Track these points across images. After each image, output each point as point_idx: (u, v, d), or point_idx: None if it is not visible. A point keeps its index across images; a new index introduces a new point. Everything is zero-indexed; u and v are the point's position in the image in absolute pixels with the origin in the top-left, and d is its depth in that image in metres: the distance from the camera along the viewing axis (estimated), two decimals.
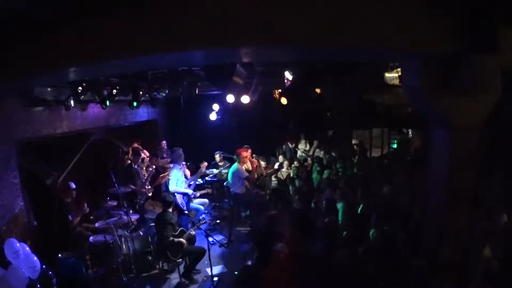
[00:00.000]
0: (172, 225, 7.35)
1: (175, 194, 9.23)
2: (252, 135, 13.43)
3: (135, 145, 11.18)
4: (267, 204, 9.55)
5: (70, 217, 7.93)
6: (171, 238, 7.23)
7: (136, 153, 10.26)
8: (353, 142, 14.40)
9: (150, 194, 10.11)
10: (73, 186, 8.24)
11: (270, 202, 9.77)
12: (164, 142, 12.73)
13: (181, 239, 7.34)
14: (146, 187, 10.07)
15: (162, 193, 11.12)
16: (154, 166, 10.75)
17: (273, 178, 11.82)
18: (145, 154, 11.21)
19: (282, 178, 11.64)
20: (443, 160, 4.55)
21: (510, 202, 5.80)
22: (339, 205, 7.21)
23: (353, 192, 7.77)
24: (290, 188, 9.93)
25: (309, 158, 12.60)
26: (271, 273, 5.27)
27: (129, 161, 10.16)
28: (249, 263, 6.61)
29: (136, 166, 9.93)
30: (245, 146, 10.45)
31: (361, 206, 7.19)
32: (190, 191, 9.71)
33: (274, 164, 12.57)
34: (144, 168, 10.60)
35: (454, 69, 4.03)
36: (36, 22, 3.88)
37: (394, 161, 11.45)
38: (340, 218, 6.98)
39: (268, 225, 6.77)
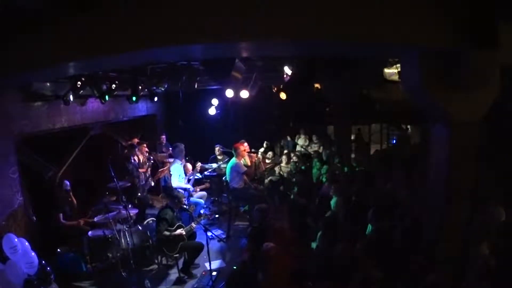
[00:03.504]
0: (167, 220, 7.32)
1: (177, 189, 9.25)
2: (251, 129, 13.43)
3: (135, 140, 11.19)
4: (265, 199, 9.56)
5: (61, 216, 7.90)
6: (167, 233, 7.23)
7: (131, 146, 10.29)
8: (353, 137, 14.39)
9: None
10: (68, 187, 8.17)
11: (268, 196, 9.80)
12: (163, 136, 12.74)
13: (177, 232, 7.33)
14: (144, 181, 10.14)
15: (161, 187, 11.19)
16: (151, 158, 10.82)
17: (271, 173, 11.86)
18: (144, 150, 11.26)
19: (282, 173, 11.67)
20: (442, 155, 4.56)
21: (509, 197, 5.80)
22: (333, 200, 7.22)
23: (351, 187, 7.78)
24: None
25: (300, 152, 12.64)
26: (269, 270, 5.28)
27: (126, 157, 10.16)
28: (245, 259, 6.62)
29: (133, 161, 9.96)
30: (241, 140, 10.44)
31: (355, 200, 7.20)
32: (190, 187, 9.73)
33: (274, 158, 12.65)
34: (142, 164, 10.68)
35: (454, 65, 4.03)
36: (37, 17, 3.88)
37: (393, 156, 11.46)
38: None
39: (261, 218, 6.79)
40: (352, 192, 7.48)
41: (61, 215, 7.89)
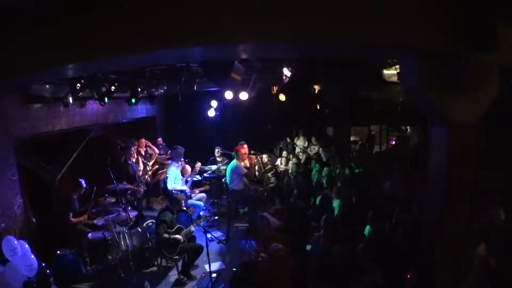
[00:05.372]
0: (166, 222, 7.33)
1: (173, 191, 9.30)
2: (250, 131, 13.44)
3: (142, 140, 11.22)
4: (265, 201, 9.57)
5: (70, 215, 7.92)
6: (166, 235, 7.23)
7: (126, 147, 10.28)
8: (352, 139, 14.41)
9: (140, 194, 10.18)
10: (84, 184, 8.21)
11: (268, 199, 9.80)
12: (160, 139, 12.74)
13: (177, 236, 7.33)
14: (145, 182, 10.17)
15: (160, 189, 11.19)
16: (149, 164, 10.85)
17: (270, 175, 11.86)
18: (154, 151, 11.33)
19: (281, 174, 11.67)
20: (441, 156, 4.56)
21: (508, 198, 5.81)
22: (335, 202, 7.21)
23: (351, 188, 7.78)
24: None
25: (300, 154, 12.64)
26: (270, 271, 5.28)
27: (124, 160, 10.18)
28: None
29: (131, 162, 9.98)
30: (241, 142, 10.44)
31: (354, 201, 7.21)
32: (186, 188, 9.73)
33: (273, 160, 12.64)
34: (150, 164, 10.71)
35: (453, 66, 4.03)
36: (36, 19, 3.88)
37: (393, 157, 11.46)
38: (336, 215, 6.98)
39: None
40: (353, 194, 7.48)
41: (71, 214, 7.92)
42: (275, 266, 5.26)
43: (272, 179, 11.43)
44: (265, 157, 12.48)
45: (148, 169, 10.72)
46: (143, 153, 11.09)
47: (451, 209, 4.52)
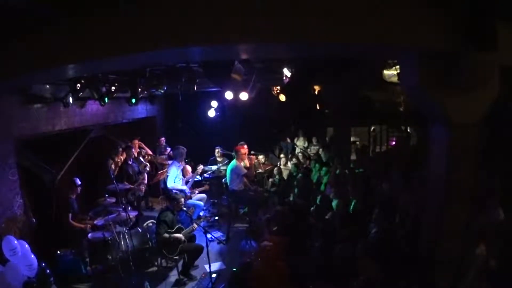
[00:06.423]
0: (166, 223, 7.33)
1: (173, 190, 9.31)
2: (250, 131, 13.43)
3: (136, 141, 11.24)
4: (265, 201, 9.56)
5: (70, 216, 7.92)
6: (166, 235, 7.23)
7: (128, 147, 10.29)
8: (352, 139, 14.39)
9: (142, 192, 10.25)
10: (78, 182, 8.21)
11: (268, 199, 9.80)
12: (163, 139, 12.73)
13: (177, 236, 7.33)
14: (143, 182, 10.18)
15: (160, 190, 11.19)
16: (148, 164, 10.84)
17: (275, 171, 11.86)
18: (147, 152, 11.34)
19: (281, 174, 11.66)
20: (441, 156, 4.56)
21: (508, 198, 5.80)
22: (334, 202, 7.22)
23: (352, 188, 7.78)
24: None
25: (300, 154, 12.64)
26: (262, 270, 5.27)
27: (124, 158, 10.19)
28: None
29: (131, 162, 10.00)
30: (241, 142, 10.43)
31: (353, 202, 7.20)
32: (186, 188, 9.73)
33: (273, 160, 12.63)
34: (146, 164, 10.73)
35: (453, 67, 4.03)
36: (36, 19, 3.87)
37: (393, 157, 11.45)
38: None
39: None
40: (353, 194, 7.48)
41: (70, 215, 7.92)
42: (263, 266, 5.26)
43: (276, 178, 11.41)
44: (261, 158, 12.49)
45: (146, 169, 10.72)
46: (136, 155, 11.06)
47: (451, 209, 4.53)
